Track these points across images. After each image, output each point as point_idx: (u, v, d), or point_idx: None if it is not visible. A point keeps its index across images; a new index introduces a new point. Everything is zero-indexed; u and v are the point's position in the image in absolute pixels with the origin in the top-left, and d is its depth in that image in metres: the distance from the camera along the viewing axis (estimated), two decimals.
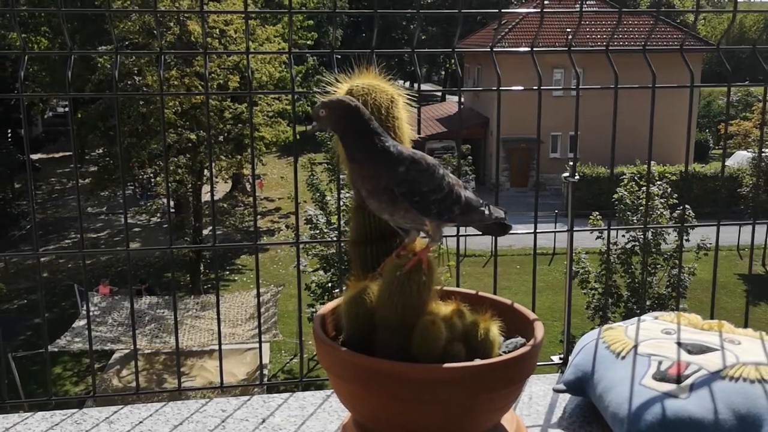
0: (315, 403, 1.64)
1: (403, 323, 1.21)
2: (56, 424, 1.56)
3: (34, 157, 32.08)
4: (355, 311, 1.24)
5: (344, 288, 1.36)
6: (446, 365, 1.15)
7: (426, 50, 1.85)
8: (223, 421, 1.56)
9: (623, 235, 13.14)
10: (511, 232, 1.39)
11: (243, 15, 1.79)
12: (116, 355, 12.44)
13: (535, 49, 1.76)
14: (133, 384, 1.96)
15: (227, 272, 20.50)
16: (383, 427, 1.23)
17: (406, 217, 1.20)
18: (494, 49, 1.75)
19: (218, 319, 1.86)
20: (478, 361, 1.18)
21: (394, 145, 1.19)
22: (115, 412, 1.61)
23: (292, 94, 1.81)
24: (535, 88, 1.78)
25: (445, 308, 1.27)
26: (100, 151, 19.85)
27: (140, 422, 1.57)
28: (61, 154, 32.59)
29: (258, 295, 1.92)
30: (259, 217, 25.54)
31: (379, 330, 1.23)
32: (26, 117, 1.73)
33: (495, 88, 1.78)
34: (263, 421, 1.57)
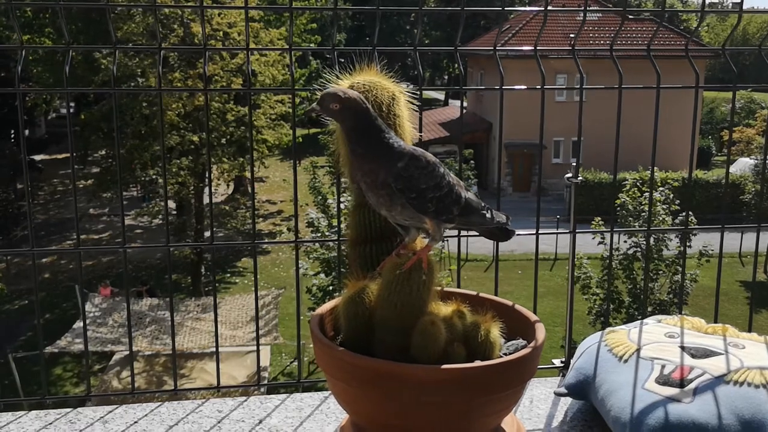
0: (312, 405, 1.62)
1: (402, 323, 1.19)
2: (50, 423, 1.54)
3: (38, 158, 32.15)
4: (353, 311, 1.23)
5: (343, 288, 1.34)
6: (446, 366, 1.13)
7: (427, 48, 1.83)
8: (219, 422, 1.54)
9: (625, 241, 13.12)
10: (514, 233, 1.37)
11: (245, 14, 1.78)
12: (117, 357, 12.40)
13: (538, 48, 1.75)
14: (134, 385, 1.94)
15: (228, 275, 20.48)
16: (381, 429, 1.22)
17: (403, 214, 1.19)
18: (497, 48, 1.74)
19: (215, 318, 1.84)
20: (478, 363, 1.16)
21: (396, 141, 1.18)
22: (110, 411, 1.59)
23: (292, 92, 1.79)
24: (538, 87, 1.76)
25: (445, 309, 1.25)
26: (103, 152, 19.86)
27: (135, 422, 1.55)
28: (64, 155, 32.64)
29: (256, 295, 1.90)
30: (261, 219, 25.55)
31: (377, 330, 1.22)
32: (22, 112, 1.72)
33: (498, 87, 1.76)
34: (260, 422, 1.55)
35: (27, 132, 32.63)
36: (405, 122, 1.35)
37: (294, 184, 1.84)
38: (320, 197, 13.04)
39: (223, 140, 17.38)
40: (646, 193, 12.84)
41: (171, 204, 20.51)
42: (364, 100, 1.19)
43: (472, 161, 24.04)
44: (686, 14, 39.13)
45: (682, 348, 1.44)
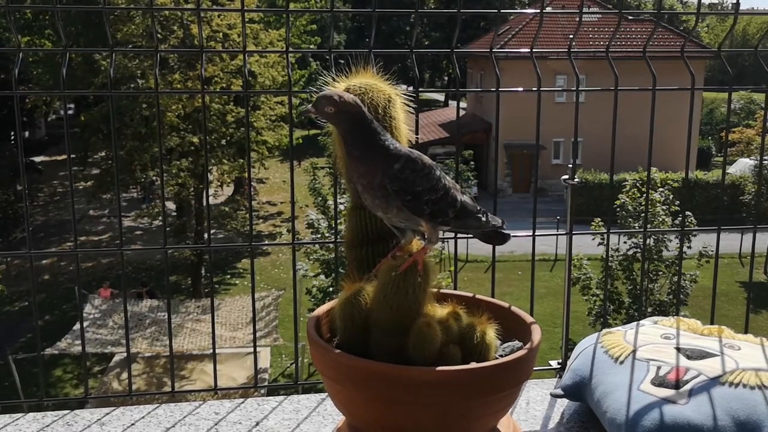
0: (310, 407, 1.62)
1: (398, 325, 1.19)
2: (47, 426, 1.55)
3: (37, 159, 32.16)
4: (349, 313, 1.23)
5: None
6: (441, 368, 1.13)
7: (424, 50, 1.84)
8: (216, 424, 1.55)
9: (624, 242, 13.11)
10: (510, 238, 1.37)
11: (242, 17, 1.78)
12: (116, 358, 12.41)
13: (534, 50, 1.75)
14: (133, 387, 1.94)
15: (228, 276, 20.47)
16: (377, 430, 1.22)
17: (399, 216, 1.19)
18: (494, 50, 1.74)
19: (212, 319, 1.85)
20: (473, 365, 1.16)
21: (393, 144, 1.18)
22: (107, 413, 1.59)
23: (289, 94, 1.80)
24: (534, 89, 1.77)
25: (441, 310, 1.25)
26: (103, 154, 19.87)
27: (132, 424, 1.55)
28: (63, 156, 32.62)
29: (253, 296, 1.90)
30: (260, 221, 25.55)
31: (373, 332, 1.22)
32: (19, 114, 1.73)
33: (494, 89, 1.77)
34: (257, 424, 1.55)
35: (27, 134, 32.68)
36: (401, 124, 1.35)
37: (291, 185, 1.84)
38: (320, 198, 13.04)
39: (223, 141, 17.38)
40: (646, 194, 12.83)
41: (171, 205, 20.51)
42: (360, 103, 1.19)
43: (472, 162, 24.03)
44: (685, 15, 39.09)
45: (678, 349, 1.44)
